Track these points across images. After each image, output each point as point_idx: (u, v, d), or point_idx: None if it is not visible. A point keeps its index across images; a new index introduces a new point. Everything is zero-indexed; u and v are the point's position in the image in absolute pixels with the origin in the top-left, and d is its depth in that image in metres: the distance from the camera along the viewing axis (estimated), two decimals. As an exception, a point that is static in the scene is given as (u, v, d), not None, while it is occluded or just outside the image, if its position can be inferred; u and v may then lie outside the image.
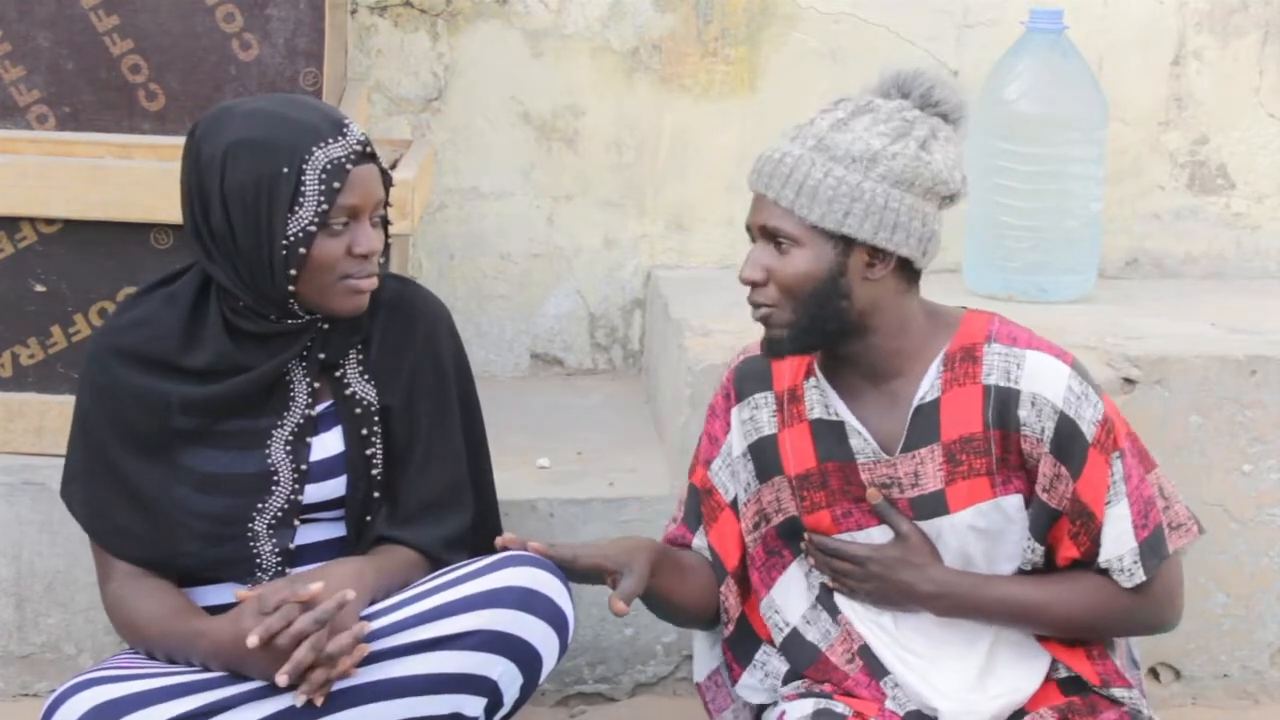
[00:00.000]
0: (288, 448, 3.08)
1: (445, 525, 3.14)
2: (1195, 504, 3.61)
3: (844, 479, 3.04)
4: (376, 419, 3.12)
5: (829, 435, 3.04)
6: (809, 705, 3.02)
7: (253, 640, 2.88)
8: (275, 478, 3.07)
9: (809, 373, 3.07)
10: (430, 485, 3.14)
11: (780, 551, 3.12)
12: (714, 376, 3.66)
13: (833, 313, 2.94)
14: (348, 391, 3.11)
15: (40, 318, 3.66)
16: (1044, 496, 2.97)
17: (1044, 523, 2.99)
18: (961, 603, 3.01)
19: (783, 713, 3.04)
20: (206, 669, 2.99)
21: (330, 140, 2.99)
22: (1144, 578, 2.98)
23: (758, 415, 3.10)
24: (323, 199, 2.98)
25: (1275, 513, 3.82)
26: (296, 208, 2.98)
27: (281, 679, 2.89)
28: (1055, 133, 4.16)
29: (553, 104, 4.42)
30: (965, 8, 4.43)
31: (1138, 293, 4.36)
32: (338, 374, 3.12)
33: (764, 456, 3.09)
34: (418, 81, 4.39)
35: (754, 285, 2.97)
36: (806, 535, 3.08)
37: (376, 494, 3.13)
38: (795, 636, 3.10)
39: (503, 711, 3.01)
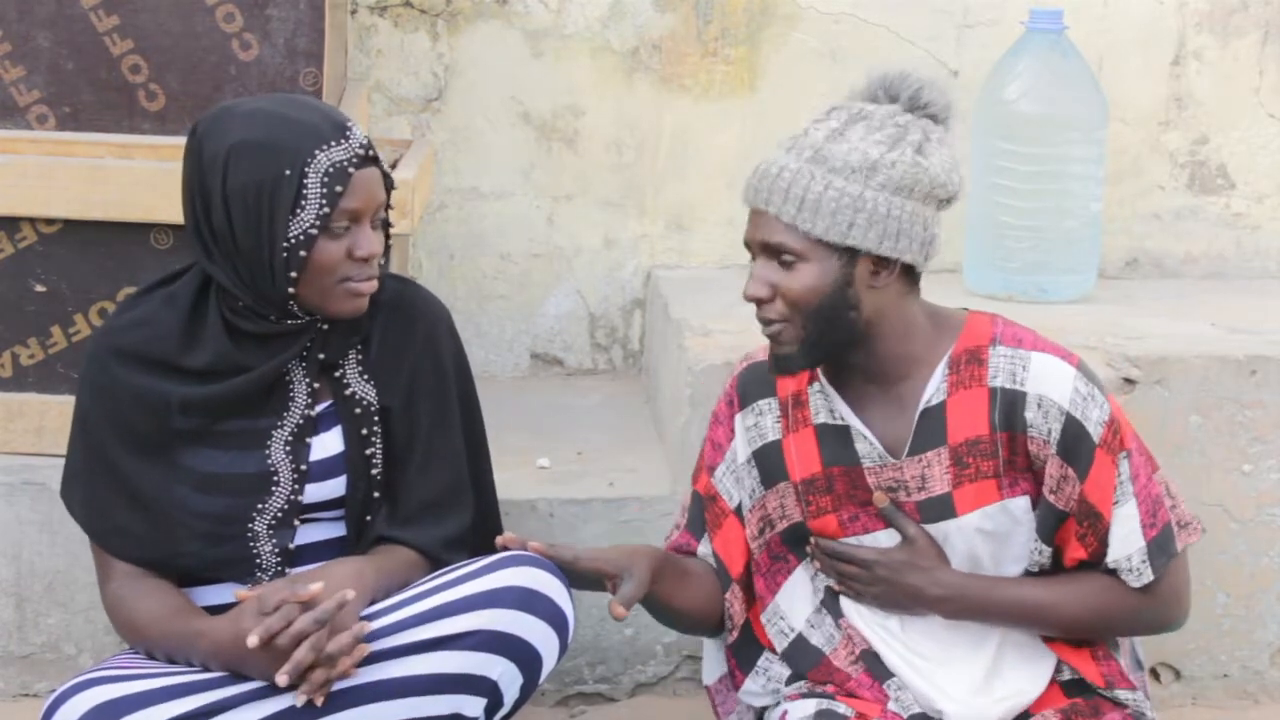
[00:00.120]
0: (287, 448, 3.08)
1: (445, 525, 3.14)
2: (1195, 504, 3.61)
3: (850, 483, 3.03)
4: (376, 419, 3.12)
5: (834, 440, 3.04)
6: (811, 706, 3.02)
7: (253, 640, 2.88)
8: (275, 478, 3.07)
9: (813, 378, 3.06)
10: (430, 485, 3.14)
11: (785, 556, 3.12)
12: (714, 376, 3.66)
13: (842, 324, 2.93)
14: (347, 391, 3.11)
15: (40, 318, 3.66)
16: (1051, 498, 2.97)
17: (1051, 524, 2.98)
18: (970, 605, 3.01)
19: (784, 712, 3.04)
20: (206, 669, 2.99)
21: (333, 143, 2.99)
22: (1152, 577, 2.98)
23: (762, 421, 3.10)
24: (324, 202, 2.98)
25: (1275, 513, 3.82)
26: (298, 210, 2.97)
27: (281, 679, 2.89)
28: (1055, 133, 4.16)
29: (553, 104, 4.42)
30: (965, 8, 4.43)
31: (1138, 293, 4.36)
32: (337, 374, 3.11)
33: (769, 462, 3.09)
34: (418, 81, 4.39)
35: (759, 303, 2.96)
36: (812, 539, 3.08)
37: (376, 494, 3.13)
38: (800, 641, 3.10)
39: (503, 711, 3.01)
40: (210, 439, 3.06)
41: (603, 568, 3.01)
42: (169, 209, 3.52)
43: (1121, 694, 3.04)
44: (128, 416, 3.06)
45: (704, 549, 3.16)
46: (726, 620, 3.15)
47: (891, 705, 3.02)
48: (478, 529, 3.19)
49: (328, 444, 3.11)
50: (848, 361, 2.99)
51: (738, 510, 3.13)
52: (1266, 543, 3.83)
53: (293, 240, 2.98)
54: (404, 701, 2.96)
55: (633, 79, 4.42)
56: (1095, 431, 2.94)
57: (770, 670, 3.13)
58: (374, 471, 3.12)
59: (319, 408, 3.11)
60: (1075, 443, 2.94)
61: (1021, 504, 2.99)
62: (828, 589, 3.10)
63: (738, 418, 3.13)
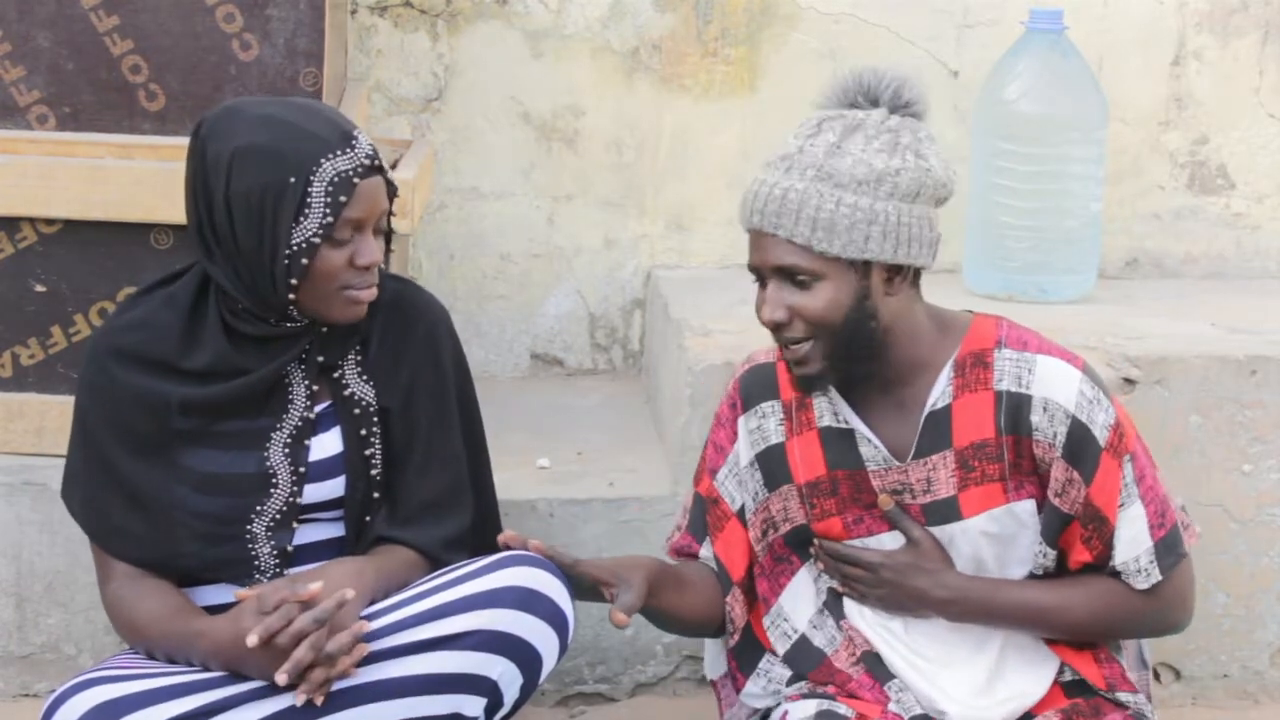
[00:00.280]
0: (286, 449, 3.08)
1: (445, 526, 3.14)
2: (1195, 504, 3.62)
3: (854, 486, 3.03)
4: (375, 419, 3.12)
5: (838, 443, 3.03)
6: (811, 706, 3.02)
7: (252, 639, 2.88)
8: (274, 479, 3.07)
9: (816, 381, 3.06)
10: (430, 486, 3.14)
11: (788, 558, 3.12)
12: (714, 376, 3.66)
13: (863, 335, 2.92)
14: (346, 392, 3.11)
15: (40, 318, 3.66)
16: (1056, 501, 2.96)
17: (1056, 527, 2.98)
18: (974, 608, 3.01)
19: (785, 713, 3.04)
20: (206, 669, 2.99)
21: (339, 152, 2.98)
22: (1160, 577, 2.98)
23: (765, 424, 3.09)
24: (328, 211, 2.98)
25: (1275, 513, 3.82)
26: (301, 218, 2.97)
27: (281, 678, 2.89)
28: (1055, 133, 4.16)
29: (553, 104, 4.42)
30: (965, 8, 4.43)
31: (1138, 293, 4.36)
32: (336, 375, 3.11)
33: (772, 465, 3.09)
34: (418, 81, 4.39)
35: (778, 326, 2.95)
36: (816, 541, 3.08)
37: (375, 495, 3.12)
38: (803, 642, 3.09)
39: (503, 711, 3.01)
40: (209, 439, 3.06)
41: (600, 575, 3.00)
42: (169, 209, 3.52)
43: (1122, 696, 3.04)
44: (127, 417, 3.06)
45: (705, 552, 3.16)
46: (727, 623, 3.14)
47: (892, 706, 3.02)
48: (477, 529, 3.19)
49: (327, 445, 3.11)
50: (861, 370, 2.99)
51: (740, 513, 3.13)
52: (1266, 543, 3.83)
53: (295, 247, 2.98)
54: (404, 701, 2.95)
55: (633, 79, 4.42)
56: (1101, 435, 2.94)
57: (771, 672, 3.13)
58: (373, 472, 3.12)
59: (318, 409, 3.11)
60: (1081, 446, 2.94)
61: (1027, 507, 2.99)
62: (830, 590, 3.10)
63: (741, 420, 3.12)
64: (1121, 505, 2.96)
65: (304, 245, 2.98)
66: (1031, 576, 3.03)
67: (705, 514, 3.16)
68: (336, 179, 2.98)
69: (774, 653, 3.12)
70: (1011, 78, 4.17)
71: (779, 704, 3.09)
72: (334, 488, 3.11)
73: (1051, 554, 3.01)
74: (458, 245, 4.45)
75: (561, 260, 4.47)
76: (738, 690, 3.17)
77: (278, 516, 3.08)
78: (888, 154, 2.90)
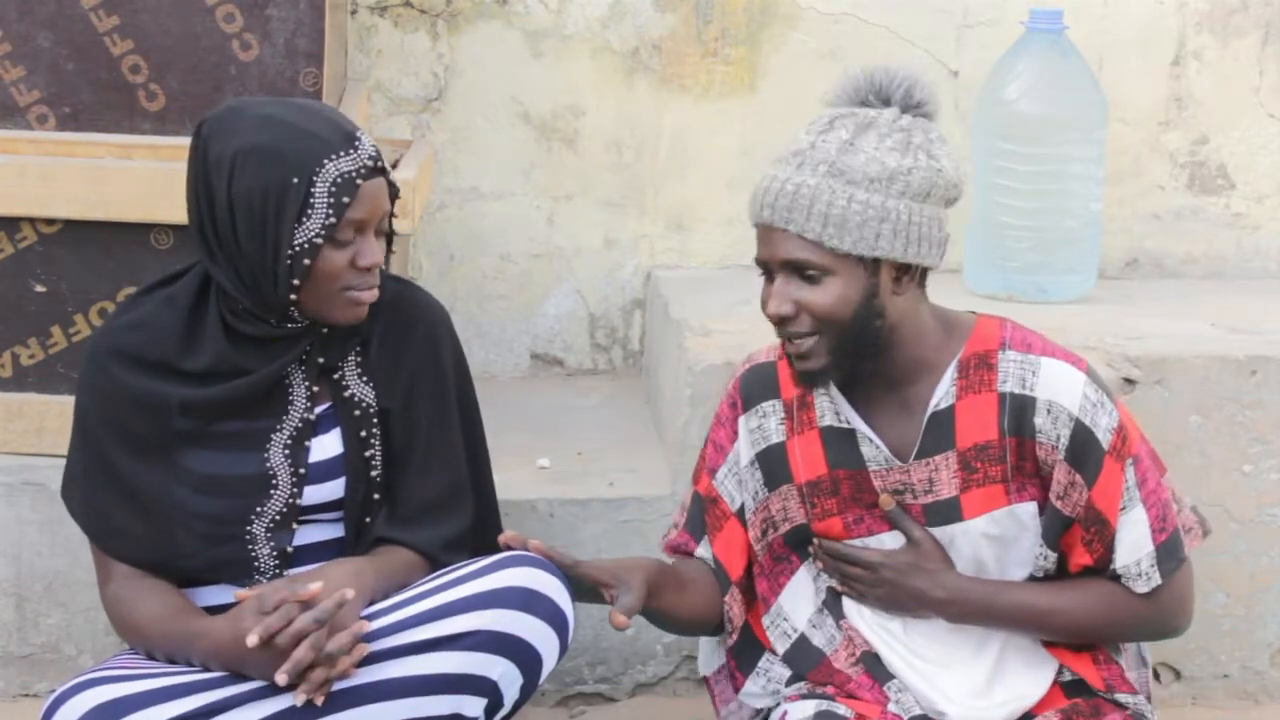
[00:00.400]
0: (286, 451, 3.08)
1: (445, 526, 3.14)
2: (1195, 504, 3.61)
3: (855, 486, 3.03)
4: (375, 420, 3.12)
5: (840, 442, 3.03)
6: (811, 706, 3.02)
7: (252, 640, 2.88)
8: (274, 480, 3.07)
9: (818, 380, 3.06)
10: (430, 487, 3.14)
11: (788, 557, 3.12)
12: (714, 376, 3.66)
13: (869, 333, 2.92)
14: (346, 393, 3.11)
15: (40, 318, 3.66)
16: (1058, 504, 2.96)
17: (1057, 530, 2.98)
18: (974, 609, 3.01)
19: (784, 713, 3.04)
20: (206, 669, 2.99)
21: (341, 153, 2.98)
22: (1159, 581, 2.98)
23: (766, 423, 3.09)
24: (331, 213, 2.97)
25: (1275, 513, 3.82)
26: (304, 219, 2.97)
27: (281, 678, 2.89)
28: (1055, 133, 4.16)
29: (553, 104, 4.42)
30: (965, 8, 4.43)
31: (1138, 293, 4.36)
32: (336, 376, 3.11)
33: (772, 464, 3.09)
34: (418, 81, 4.39)
35: (783, 320, 2.95)
36: (816, 540, 3.08)
37: (376, 495, 3.12)
38: (802, 641, 3.10)
39: (503, 712, 3.01)
40: (209, 440, 3.06)
41: (600, 577, 3.00)
42: (169, 209, 3.52)
43: (1122, 697, 3.04)
44: (127, 418, 3.06)
45: (703, 551, 3.16)
46: (726, 623, 3.14)
47: (891, 707, 3.02)
48: (477, 530, 3.19)
49: (327, 446, 3.11)
50: (864, 368, 2.99)
51: (739, 513, 3.13)
52: (1266, 543, 3.83)
53: (297, 248, 2.98)
54: (404, 701, 2.95)
55: (633, 79, 4.42)
56: (1104, 438, 2.94)
57: (770, 671, 3.13)
58: (373, 473, 3.12)
59: (318, 410, 3.11)
60: (1084, 449, 2.94)
61: (1029, 509, 2.99)
62: (830, 589, 3.10)
63: (741, 420, 3.12)
64: (1123, 509, 2.96)
65: (306, 246, 2.98)
66: (1031, 579, 3.03)
67: (704, 513, 3.16)
68: (339, 180, 2.98)
69: (774, 652, 3.12)
70: (1011, 78, 4.18)
71: (778, 704, 3.09)
72: (334, 489, 3.11)
73: (1052, 556, 3.01)
74: (458, 245, 4.45)
75: (561, 260, 4.47)
76: (736, 689, 3.17)
77: (277, 517, 3.08)
78: (900, 153, 2.90)
